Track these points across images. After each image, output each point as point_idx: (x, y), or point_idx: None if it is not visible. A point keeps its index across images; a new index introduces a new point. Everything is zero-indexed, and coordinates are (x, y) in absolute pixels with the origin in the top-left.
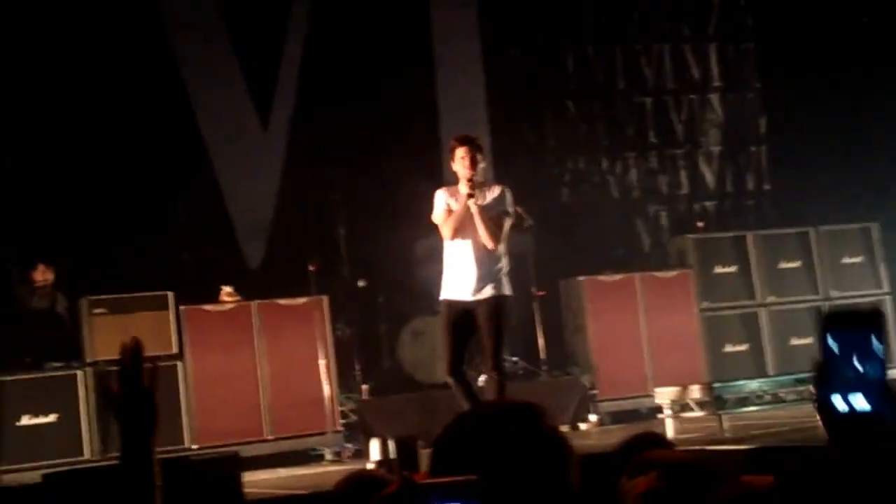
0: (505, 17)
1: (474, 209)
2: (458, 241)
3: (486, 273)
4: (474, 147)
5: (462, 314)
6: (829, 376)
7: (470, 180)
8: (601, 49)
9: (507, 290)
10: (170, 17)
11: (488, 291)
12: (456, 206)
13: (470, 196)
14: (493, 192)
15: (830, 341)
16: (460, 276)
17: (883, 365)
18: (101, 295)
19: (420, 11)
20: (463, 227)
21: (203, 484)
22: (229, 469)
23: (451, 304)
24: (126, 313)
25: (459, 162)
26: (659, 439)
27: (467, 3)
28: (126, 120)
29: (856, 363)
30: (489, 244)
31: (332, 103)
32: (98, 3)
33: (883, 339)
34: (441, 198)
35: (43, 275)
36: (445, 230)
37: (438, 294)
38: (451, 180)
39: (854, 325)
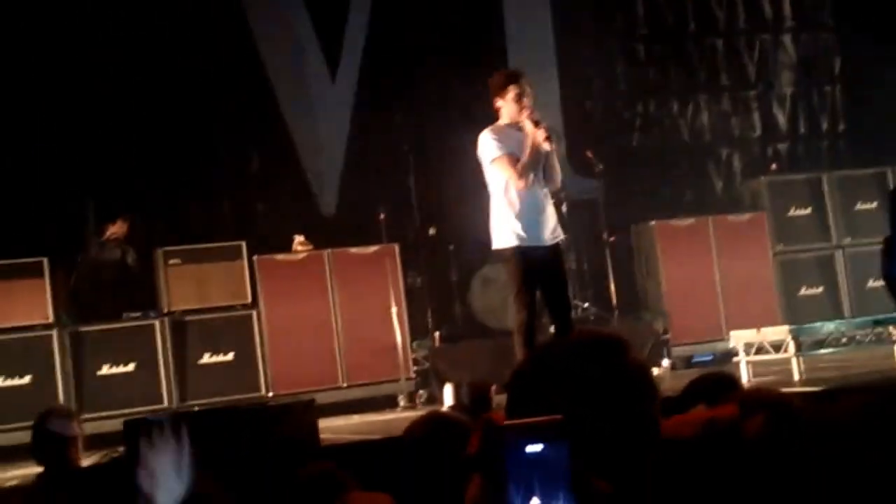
0: None
1: (549, 148)
2: (525, 187)
3: (552, 213)
4: (528, 81)
5: (536, 262)
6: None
7: (536, 120)
8: None
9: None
10: None
11: (559, 234)
12: (512, 147)
13: (547, 138)
14: None
15: None
16: (531, 220)
17: None
18: (175, 246)
19: None
20: (532, 170)
21: (280, 430)
22: (305, 415)
23: (525, 252)
24: (200, 263)
25: (516, 99)
26: (725, 379)
27: None
28: (198, 74)
29: None
30: (558, 184)
31: (400, 52)
32: None
33: None
34: (493, 140)
35: (119, 227)
36: (517, 174)
37: (493, 242)
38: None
39: None
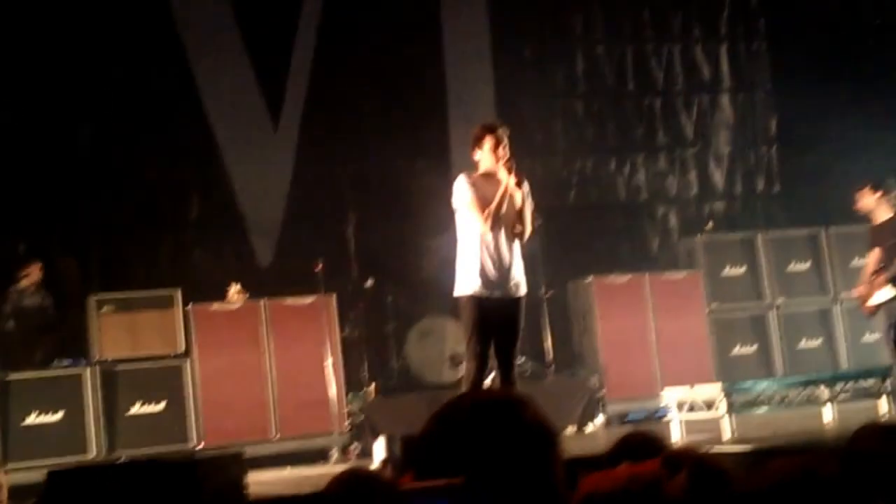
0: (515, 15)
1: (521, 196)
2: (490, 232)
3: (519, 267)
4: (504, 132)
5: (491, 311)
6: None
7: (510, 167)
8: (611, 49)
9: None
10: (180, 16)
11: (522, 289)
12: (484, 194)
13: (519, 184)
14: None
15: None
16: (491, 270)
17: None
18: (110, 291)
19: (430, 11)
20: (498, 216)
21: (207, 483)
22: (233, 468)
23: (483, 301)
24: (133, 311)
25: (492, 149)
26: (652, 439)
27: (477, 4)
28: (138, 117)
29: None
30: (528, 233)
31: (342, 103)
32: (109, 1)
33: None
34: (466, 184)
35: (33, 272)
36: (484, 218)
37: (452, 289)
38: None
39: None
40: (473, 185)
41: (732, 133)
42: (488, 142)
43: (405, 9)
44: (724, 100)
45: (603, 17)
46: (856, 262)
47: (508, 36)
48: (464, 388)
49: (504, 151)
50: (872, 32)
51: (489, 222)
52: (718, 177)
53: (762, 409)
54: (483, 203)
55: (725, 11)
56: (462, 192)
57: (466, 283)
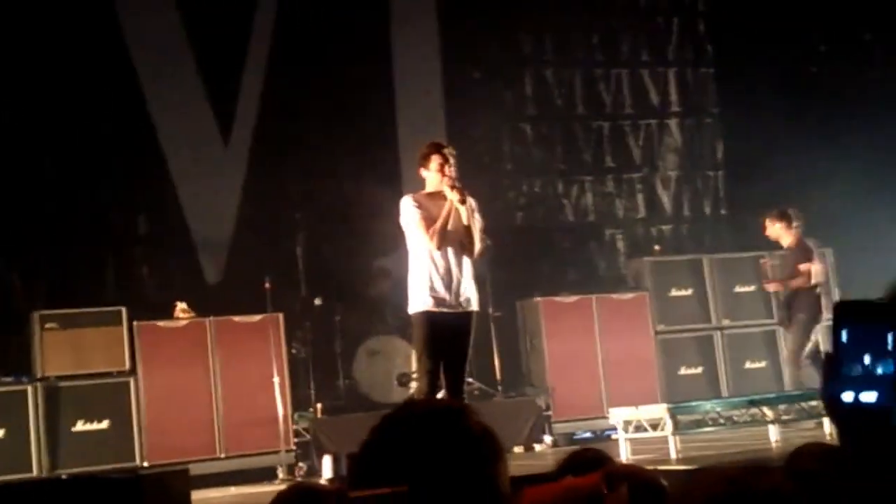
0: (465, 38)
1: (466, 213)
2: (438, 250)
3: (469, 283)
4: (450, 152)
5: (442, 328)
6: (839, 371)
7: (453, 185)
8: (560, 73)
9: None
10: (130, 32)
11: (473, 304)
12: (430, 213)
13: (462, 201)
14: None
15: (843, 334)
16: (442, 286)
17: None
18: (54, 308)
19: (380, 30)
20: (445, 234)
21: (151, 500)
22: (178, 485)
23: (432, 317)
24: (78, 328)
25: (438, 168)
26: (600, 456)
27: (428, 24)
28: (85, 133)
29: (867, 360)
30: (477, 250)
31: (293, 121)
32: (60, 20)
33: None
34: (411, 204)
35: None
36: (430, 236)
37: (402, 308)
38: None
39: (869, 318)
40: (418, 204)
41: (680, 157)
42: (435, 160)
43: (356, 29)
44: (672, 124)
45: (553, 41)
46: None
47: (458, 57)
48: None
49: (450, 170)
50: (819, 59)
51: (435, 240)
52: (666, 200)
53: (707, 430)
54: (429, 221)
55: (674, 37)
56: (407, 212)
57: (417, 300)
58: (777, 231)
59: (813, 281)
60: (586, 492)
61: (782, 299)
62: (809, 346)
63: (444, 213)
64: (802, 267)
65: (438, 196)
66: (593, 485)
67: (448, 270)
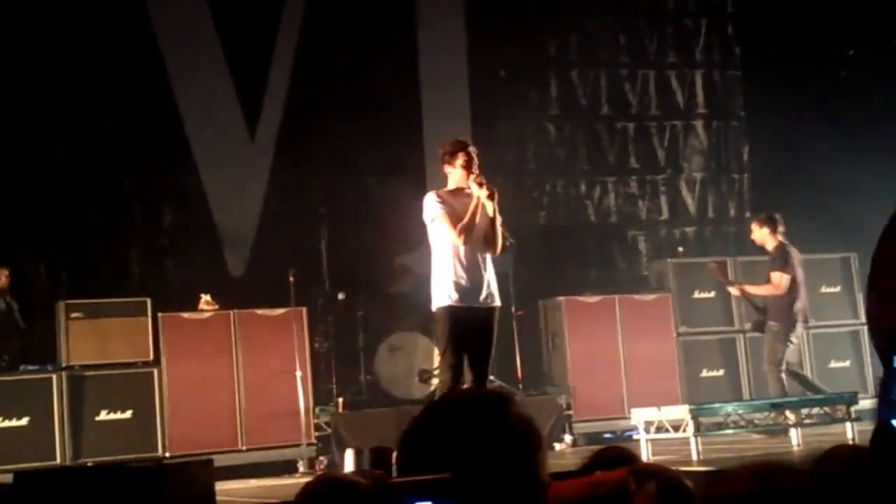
0: (492, 38)
1: (493, 208)
2: (463, 245)
3: (492, 279)
4: (474, 150)
5: (466, 323)
6: (889, 397)
7: (481, 181)
8: (585, 73)
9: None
10: (160, 25)
11: (496, 300)
12: (455, 209)
13: (491, 196)
14: None
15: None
16: (467, 282)
17: None
18: (80, 299)
19: (408, 30)
20: (471, 229)
21: (176, 490)
22: (203, 475)
23: (456, 312)
24: (103, 318)
25: (465, 165)
26: (627, 454)
27: (455, 23)
28: (115, 125)
29: None
30: (499, 247)
31: (320, 118)
32: (90, 10)
33: None
34: (436, 201)
35: (0, 278)
36: (458, 232)
37: (424, 304)
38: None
39: None
40: (442, 200)
41: (705, 159)
42: (461, 158)
43: (383, 27)
44: (698, 126)
45: (578, 41)
46: (823, 289)
47: (484, 56)
48: None
49: (475, 168)
50: (848, 63)
51: (463, 236)
52: (690, 201)
53: (729, 432)
54: (454, 217)
55: (702, 38)
56: (433, 208)
57: (441, 295)
58: (762, 235)
59: (782, 291)
60: (613, 486)
61: (760, 305)
62: (785, 355)
63: (471, 208)
64: (773, 275)
65: (462, 192)
66: (621, 479)
67: (473, 266)
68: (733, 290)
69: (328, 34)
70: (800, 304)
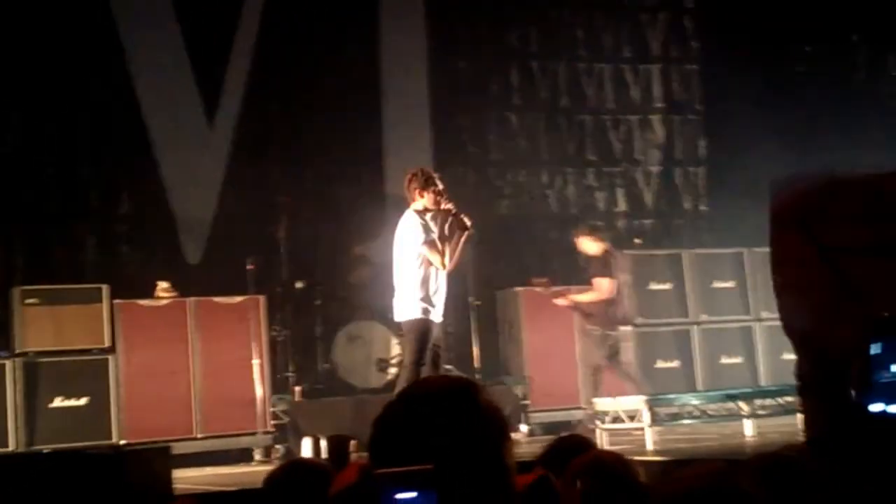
0: (452, 29)
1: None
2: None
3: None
4: (441, 180)
5: (432, 333)
6: (869, 379)
7: (459, 216)
8: (545, 66)
9: None
10: (119, 10)
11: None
12: (436, 233)
13: (468, 229)
14: None
15: (875, 347)
16: (438, 300)
17: None
18: (34, 285)
19: (368, 20)
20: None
21: (133, 476)
22: (160, 462)
23: (430, 325)
24: (59, 304)
25: (435, 202)
26: (584, 443)
27: (415, 15)
28: (71, 110)
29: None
30: (451, 268)
31: (279, 106)
32: None
33: None
34: (421, 224)
35: None
36: (443, 264)
37: (383, 300)
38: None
39: None
40: (425, 225)
41: (662, 152)
42: (430, 195)
43: (344, 16)
44: (655, 120)
45: (538, 34)
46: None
47: (445, 47)
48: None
49: (447, 203)
50: (805, 59)
51: (449, 266)
52: (647, 195)
53: (683, 422)
54: (435, 242)
55: (659, 33)
56: (418, 233)
57: (414, 308)
58: (587, 244)
59: (607, 295)
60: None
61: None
62: (603, 358)
63: (459, 245)
64: (596, 280)
65: (433, 213)
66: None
67: (440, 285)
68: (562, 302)
69: (289, 22)
70: (622, 309)
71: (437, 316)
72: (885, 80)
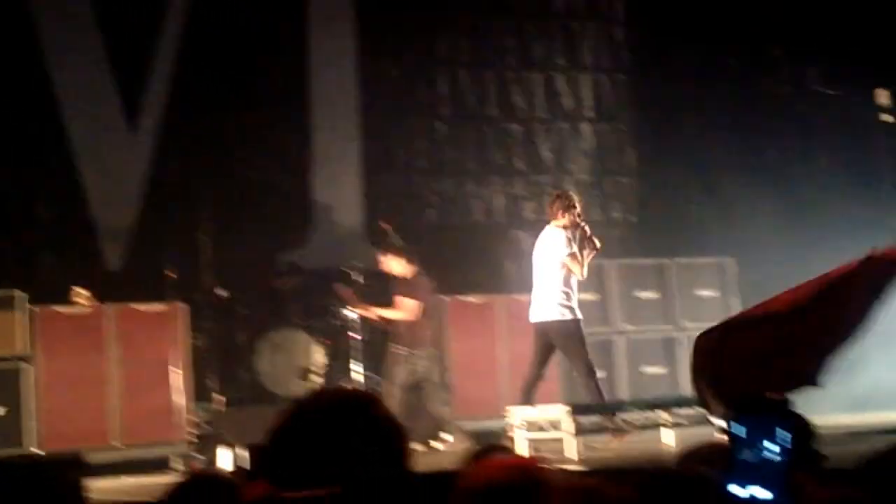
0: (382, 36)
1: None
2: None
3: None
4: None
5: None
6: (734, 459)
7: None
8: (474, 74)
9: None
10: (39, 12)
11: None
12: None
13: (597, 249)
14: None
15: (736, 427)
16: (575, 303)
17: (788, 453)
18: None
19: (297, 24)
20: None
21: (42, 486)
22: (70, 472)
23: (579, 323)
24: None
25: (580, 216)
26: (504, 451)
27: (345, 21)
28: None
29: (764, 447)
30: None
31: (203, 111)
32: None
33: (789, 429)
34: (569, 241)
35: None
36: (584, 270)
37: (554, 313)
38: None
39: (763, 411)
40: (570, 240)
41: (591, 162)
42: (571, 215)
43: (272, 20)
44: (585, 129)
45: (468, 42)
46: (700, 292)
47: (375, 54)
48: None
49: (580, 220)
50: (730, 72)
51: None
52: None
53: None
54: (576, 254)
55: (590, 42)
56: (566, 246)
57: (564, 310)
58: (396, 264)
59: (411, 317)
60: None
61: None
62: (405, 377)
63: (588, 259)
64: (398, 300)
65: (574, 230)
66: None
67: (574, 290)
68: (361, 311)
69: (214, 26)
70: (428, 331)
71: (578, 314)
72: (805, 93)
